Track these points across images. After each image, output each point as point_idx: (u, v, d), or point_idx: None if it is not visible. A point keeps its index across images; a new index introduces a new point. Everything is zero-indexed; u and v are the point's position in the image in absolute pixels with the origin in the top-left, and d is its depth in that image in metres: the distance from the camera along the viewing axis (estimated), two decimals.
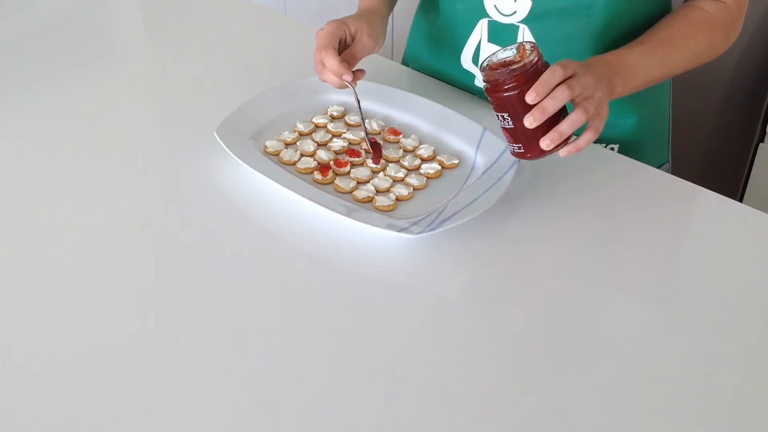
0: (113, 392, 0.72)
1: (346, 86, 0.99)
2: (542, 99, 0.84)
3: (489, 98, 0.88)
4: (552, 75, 0.84)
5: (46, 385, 0.72)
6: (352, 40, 1.02)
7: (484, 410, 0.71)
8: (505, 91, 0.85)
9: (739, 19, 1.03)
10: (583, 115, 0.85)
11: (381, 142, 1.02)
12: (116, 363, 0.75)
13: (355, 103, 1.00)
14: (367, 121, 1.06)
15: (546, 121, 0.84)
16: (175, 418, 0.70)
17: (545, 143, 0.85)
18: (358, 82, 0.99)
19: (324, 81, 1.00)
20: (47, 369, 0.74)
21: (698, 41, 1.00)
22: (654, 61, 0.98)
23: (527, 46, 0.86)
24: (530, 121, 0.84)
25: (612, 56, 0.95)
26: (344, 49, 1.01)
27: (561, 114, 0.86)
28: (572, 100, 0.86)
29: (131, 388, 0.72)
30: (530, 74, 0.84)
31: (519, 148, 0.88)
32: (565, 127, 0.85)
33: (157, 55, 1.30)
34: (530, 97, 0.84)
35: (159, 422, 0.69)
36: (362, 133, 1.04)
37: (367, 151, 1.01)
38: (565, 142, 0.86)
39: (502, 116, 0.87)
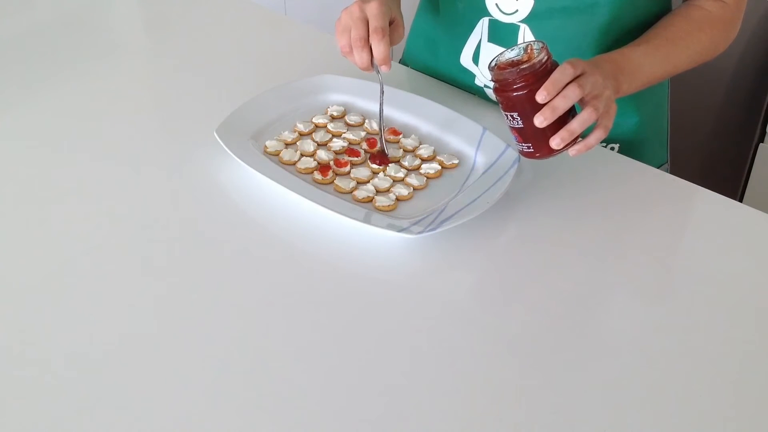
0: (112, 390, 0.72)
1: (371, 71, 0.96)
2: (553, 98, 0.84)
3: (497, 98, 0.87)
4: (562, 74, 0.84)
5: (42, 383, 0.72)
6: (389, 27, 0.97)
7: (484, 410, 0.71)
8: (515, 91, 0.85)
9: (739, 18, 1.03)
10: (593, 113, 0.86)
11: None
12: (116, 362, 0.75)
13: (371, 99, 0.98)
14: (367, 121, 1.06)
15: (555, 120, 0.85)
16: (173, 418, 0.70)
17: (555, 142, 0.85)
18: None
19: (348, 57, 0.95)
20: (45, 368, 0.74)
21: (700, 40, 1.00)
22: (657, 59, 0.98)
23: (536, 46, 0.86)
24: (541, 120, 0.84)
25: (617, 55, 0.95)
26: None
27: (570, 113, 0.86)
28: (581, 99, 0.86)
29: (130, 387, 0.72)
30: (540, 73, 0.84)
31: (528, 147, 0.88)
32: (576, 125, 0.85)
33: (157, 55, 1.30)
34: (541, 96, 0.84)
35: (157, 421, 0.69)
36: (362, 133, 1.04)
37: (367, 151, 1.01)
38: (575, 140, 0.87)
39: (511, 116, 0.87)
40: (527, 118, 0.85)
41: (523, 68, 0.84)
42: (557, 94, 0.84)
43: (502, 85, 0.86)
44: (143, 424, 0.69)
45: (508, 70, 0.85)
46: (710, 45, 1.02)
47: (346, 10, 0.95)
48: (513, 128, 0.88)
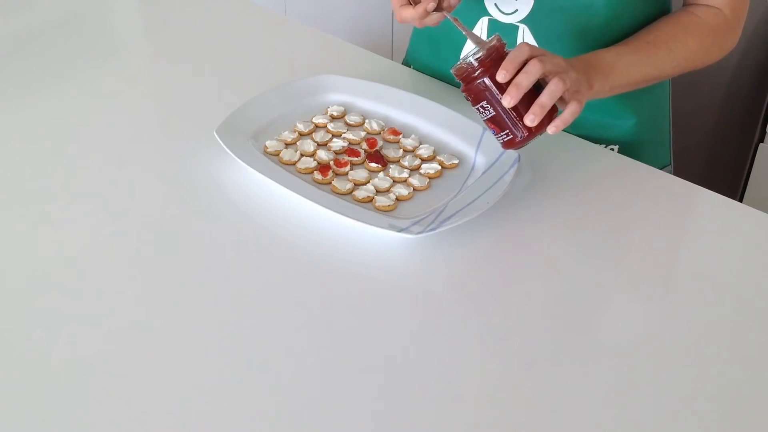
0: (111, 390, 0.72)
1: (434, 21, 0.94)
2: (514, 76, 0.84)
3: (465, 95, 0.89)
4: (518, 52, 0.85)
5: (42, 383, 0.72)
6: None
7: (484, 409, 0.71)
8: (476, 79, 0.86)
9: (736, 28, 1.03)
10: (560, 83, 0.85)
11: (381, 142, 1.02)
12: (116, 361, 0.75)
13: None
14: (367, 121, 1.06)
15: (525, 102, 0.85)
16: (171, 417, 0.70)
17: (529, 119, 0.86)
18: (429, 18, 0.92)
19: (402, 20, 0.94)
20: (45, 368, 0.74)
21: (686, 44, 1.00)
22: (637, 60, 0.97)
23: (491, 38, 0.88)
24: (508, 100, 0.85)
25: (589, 54, 0.96)
26: None
27: (537, 93, 0.87)
28: (546, 78, 0.86)
29: (130, 386, 0.72)
30: (495, 58, 0.86)
31: (506, 135, 0.88)
32: (545, 98, 0.85)
33: (157, 55, 1.30)
34: (500, 75, 0.85)
35: (155, 420, 0.69)
36: (362, 133, 1.04)
37: (366, 151, 1.01)
38: (550, 119, 0.87)
39: (482, 107, 0.88)
40: (496, 104, 0.87)
41: (477, 56, 0.86)
42: (519, 72, 0.84)
43: (464, 79, 0.88)
44: (138, 421, 0.69)
45: (465, 61, 0.87)
46: (699, 51, 1.01)
47: None
48: (487, 120, 0.89)
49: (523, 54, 0.85)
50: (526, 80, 0.84)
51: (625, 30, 1.03)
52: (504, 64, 0.85)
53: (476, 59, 0.86)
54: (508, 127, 0.88)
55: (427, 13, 0.92)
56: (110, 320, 0.79)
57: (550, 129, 0.87)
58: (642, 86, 1.01)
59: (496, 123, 0.88)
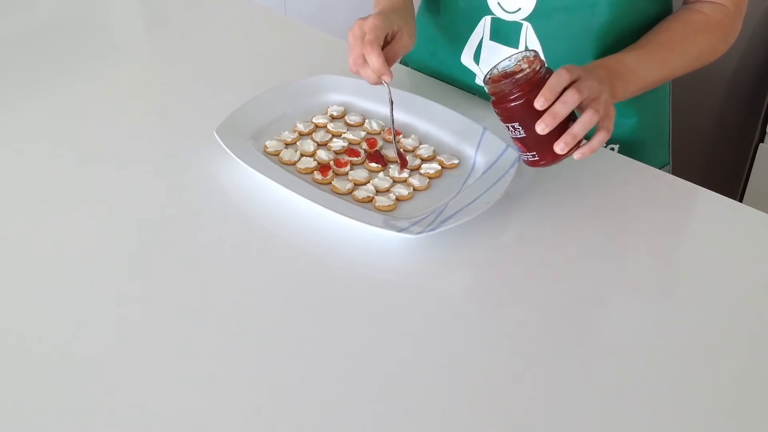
0: (112, 389, 0.72)
1: (380, 83, 0.96)
2: (552, 104, 0.84)
3: (496, 110, 0.88)
4: (558, 79, 0.84)
5: (41, 382, 0.72)
6: (392, 38, 0.98)
7: (483, 409, 0.71)
8: (513, 101, 0.85)
9: (738, 21, 1.03)
10: (594, 115, 0.86)
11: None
12: (115, 361, 0.75)
13: (386, 104, 0.98)
14: (367, 121, 1.06)
15: (557, 126, 0.85)
16: (171, 417, 0.70)
17: (559, 147, 0.85)
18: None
19: (360, 76, 0.96)
20: (44, 368, 0.74)
21: (696, 44, 1.00)
22: (653, 64, 0.98)
23: (529, 55, 0.87)
24: (542, 128, 0.84)
25: (611, 60, 0.95)
26: (384, 46, 0.97)
27: (570, 117, 0.86)
28: (580, 104, 0.86)
29: (130, 386, 0.72)
30: (535, 82, 0.85)
31: (533, 156, 0.88)
32: (578, 129, 0.85)
33: (157, 55, 1.30)
34: (539, 103, 0.84)
35: (155, 420, 0.69)
36: (362, 133, 1.04)
37: (366, 151, 1.01)
38: (578, 144, 0.87)
39: (512, 126, 0.87)
40: (528, 127, 0.86)
41: (517, 78, 0.85)
42: (556, 100, 0.84)
43: (499, 97, 0.86)
44: (142, 423, 0.69)
45: (503, 82, 0.85)
46: (708, 49, 1.02)
47: (350, 31, 0.96)
48: (516, 139, 0.88)
49: (563, 81, 0.85)
50: (563, 110, 0.84)
51: (628, 29, 1.03)
52: (543, 91, 0.84)
53: (515, 81, 0.84)
54: (536, 150, 0.87)
55: (379, 80, 0.95)
56: (110, 320, 0.79)
57: (576, 155, 0.88)
58: (653, 87, 1.01)
59: (524, 143, 0.88)
